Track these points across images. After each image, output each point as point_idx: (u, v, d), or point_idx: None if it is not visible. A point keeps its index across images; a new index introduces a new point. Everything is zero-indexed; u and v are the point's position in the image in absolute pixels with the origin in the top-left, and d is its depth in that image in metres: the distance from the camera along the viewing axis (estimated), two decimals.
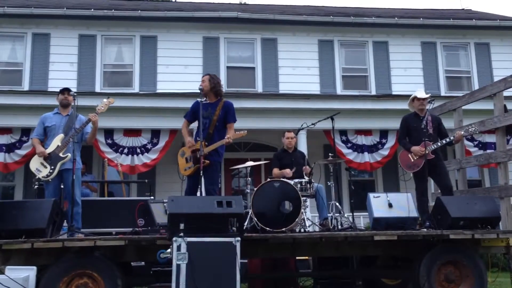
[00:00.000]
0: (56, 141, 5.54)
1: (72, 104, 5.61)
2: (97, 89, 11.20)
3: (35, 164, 5.51)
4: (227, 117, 5.62)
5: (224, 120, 5.61)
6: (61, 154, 5.46)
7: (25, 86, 11.09)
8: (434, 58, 12.35)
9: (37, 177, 5.56)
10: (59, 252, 4.48)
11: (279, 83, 11.74)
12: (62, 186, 5.62)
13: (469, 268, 4.93)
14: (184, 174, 5.59)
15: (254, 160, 6.76)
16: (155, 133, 9.68)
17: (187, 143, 5.58)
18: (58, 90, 6.01)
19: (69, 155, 5.42)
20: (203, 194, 5.26)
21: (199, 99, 5.54)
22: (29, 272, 5.68)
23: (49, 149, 5.51)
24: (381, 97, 10.67)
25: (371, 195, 5.88)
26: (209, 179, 5.43)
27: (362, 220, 9.00)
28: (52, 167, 5.45)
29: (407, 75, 12.07)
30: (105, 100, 5.77)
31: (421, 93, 6.33)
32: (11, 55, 11.41)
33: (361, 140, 10.19)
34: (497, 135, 6.45)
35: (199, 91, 5.58)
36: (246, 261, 5.80)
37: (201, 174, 5.23)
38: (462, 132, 6.22)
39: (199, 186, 5.26)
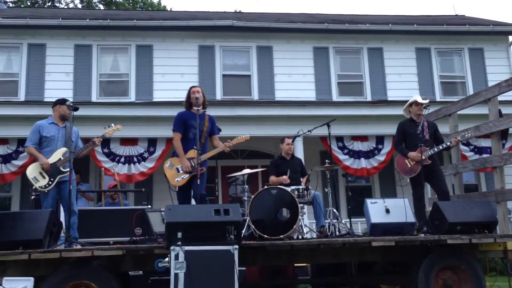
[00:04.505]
0: (58, 154, 5.50)
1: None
2: (93, 98, 11.20)
3: (33, 172, 5.42)
4: (214, 129, 5.90)
5: (211, 132, 5.85)
6: (62, 168, 5.43)
7: (21, 97, 11.07)
8: (428, 64, 12.43)
9: (34, 187, 5.52)
10: (57, 263, 4.47)
11: (274, 91, 11.78)
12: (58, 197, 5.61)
13: (467, 273, 4.95)
14: (177, 185, 5.57)
15: (251, 168, 6.77)
16: (152, 142, 9.68)
17: (185, 166, 5.51)
18: (55, 100, 5.97)
19: (70, 169, 5.41)
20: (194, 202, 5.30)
21: (196, 108, 5.60)
22: (27, 283, 5.63)
23: (50, 161, 5.46)
24: (377, 103, 10.71)
25: (368, 201, 5.90)
26: (201, 184, 5.48)
27: (359, 226, 8.99)
28: (52, 179, 5.41)
29: (402, 81, 12.13)
30: (113, 125, 5.83)
31: (421, 98, 6.35)
32: (7, 66, 11.42)
33: (358, 146, 10.21)
34: (492, 140, 6.48)
35: (196, 100, 5.65)
36: (244, 268, 5.79)
37: (196, 182, 5.26)
38: (459, 138, 6.24)
39: (192, 194, 5.31)
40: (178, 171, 5.58)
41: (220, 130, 6.00)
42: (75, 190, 5.66)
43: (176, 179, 5.56)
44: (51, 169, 5.41)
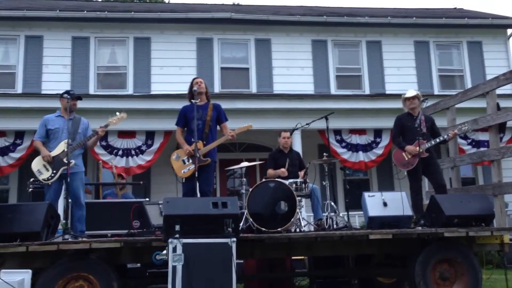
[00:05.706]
0: (61, 146, 5.50)
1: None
2: (91, 91, 11.18)
3: (37, 165, 5.47)
4: (220, 117, 5.88)
5: (217, 120, 5.84)
6: (65, 160, 5.42)
7: (18, 89, 11.04)
8: (427, 57, 12.41)
9: (32, 179, 5.53)
10: (55, 255, 4.47)
11: (273, 84, 11.76)
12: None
13: (463, 266, 4.97)
14: (183, 176, 5.59)
15: (249, 161, 6.77)
16: (150, 135, 9.66)
17: (187, 153, 5.57)
18: (54, 92, 6.02)
19: (73, 161, 5.41)
20: (198, 194, 5.30)
21: (193, 101, 5.61)
22: (24, 276, 5.64)
23: (53, 153, 5.48)
24: (375, 96, 10.71)
25: (366, 194, 5.90)
26: (205, 179, 5.51)
27: (357, 219, 9.01)
28: (54, 171, 5.42)
29: (400, 74, 12.13)
30: (118, 114, 5.79)
31: (409, 93, 6.34)
32: (4, 58, 11.37)
33: (356, 139, 10.21)
34: (490, 133, 6.49)
35: (194, 92, 5.66)
36: (242, 261, 5.80)
37: (196, 176, 5.25)
38: (456, 131, 6.25)
39: (196, 187, 5.31)
40: (184, 163, 5.61)
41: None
42: (83, 182, 5.68)
43: (183, 171, 5.59)
44: (54, 161, 5.43)
